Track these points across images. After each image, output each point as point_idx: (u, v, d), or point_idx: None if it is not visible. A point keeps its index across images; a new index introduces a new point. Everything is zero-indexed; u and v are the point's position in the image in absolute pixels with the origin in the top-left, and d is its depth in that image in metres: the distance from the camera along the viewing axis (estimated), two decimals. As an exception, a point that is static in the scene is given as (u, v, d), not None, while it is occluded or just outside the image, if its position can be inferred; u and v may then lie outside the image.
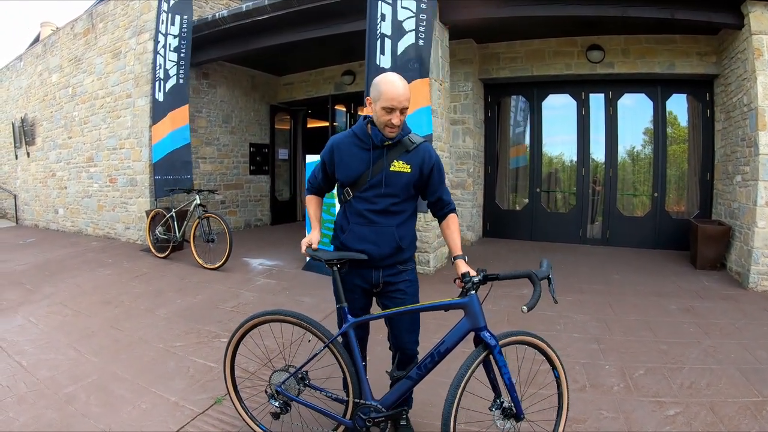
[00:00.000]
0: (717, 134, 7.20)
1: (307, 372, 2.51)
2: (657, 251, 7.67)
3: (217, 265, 6.48)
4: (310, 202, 2.67)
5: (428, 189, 2.49)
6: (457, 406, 2.21)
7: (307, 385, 2.49)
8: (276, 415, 2.49)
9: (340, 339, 2.40)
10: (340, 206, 2.53)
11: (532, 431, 2.51)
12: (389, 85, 2.25)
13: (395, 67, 5.37)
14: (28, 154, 11.76)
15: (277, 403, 2.47)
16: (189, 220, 7.07)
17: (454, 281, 2.31)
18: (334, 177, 2.51)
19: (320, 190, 2.64)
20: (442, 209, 2.55)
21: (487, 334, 2.20)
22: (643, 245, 7.92)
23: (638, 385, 3.32)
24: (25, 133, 11.72)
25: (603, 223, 8.29)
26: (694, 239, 6.58)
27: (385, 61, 5.47)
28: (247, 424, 2.66)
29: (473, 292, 2.21)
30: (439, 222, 2.58)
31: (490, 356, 2.21)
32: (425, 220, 6.34)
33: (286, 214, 11.31)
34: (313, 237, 2.47)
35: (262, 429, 2.64)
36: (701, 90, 7.46)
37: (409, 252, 2.52)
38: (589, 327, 4.41)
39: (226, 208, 9.79)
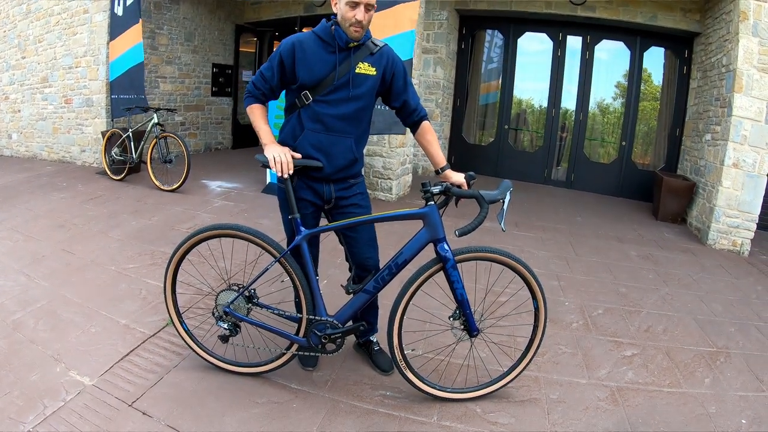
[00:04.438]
0: (691, 92, 7.22)
1: (255, 290, 2.42)
2: (619, 199, 7.81)
3: (174, 187, 6.30)
4: (257, 110, 2.33)
5: (392, 93, 2.37)
6: (402, 316, 2.25)
7: (257, 304, 2.41)
8: (225, 338, 2.42)
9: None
10: (292, 113, 2.33)
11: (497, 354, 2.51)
12: None
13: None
14: (-21, 77, 10.94)
15: (225, 325, 2.39)
16: (146, 140, 6.76)
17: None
18: (291, 78, 2.27)
19: (268, 96, 2.35)
20: (410, 115, 2.43)
21: (445, 247, 2.16)
22: (606, 192, 8.04)
23: (597, 323, 3.38)
24: (-24, 56, 10.84)
25: (568, 166, 8.35)
26: (658, 191, 6.68)
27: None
28: (192, 348, 2.57)
29: (432, 202, 2.15)
30: (414, 133, 2.47)
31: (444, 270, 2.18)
32: (390, 146, 6.26)
33: (247, 138, 10.87)
34: (285, 149, 2.21)
35: (208, 353, 2.55)
36: (680, 46, 7.40)
37: (361, 164, 2.43)
38: (551, 264, 4.48)
39: (186, 130, 9.40)
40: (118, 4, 7.20)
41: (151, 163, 6.54)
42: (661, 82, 7.82)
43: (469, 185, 2.24)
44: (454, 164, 8.65)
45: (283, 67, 2.25)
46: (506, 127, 8.59)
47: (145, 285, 3.59)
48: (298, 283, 2.28)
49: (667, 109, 7.69)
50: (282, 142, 2.32)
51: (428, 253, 2.25)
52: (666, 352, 3.07)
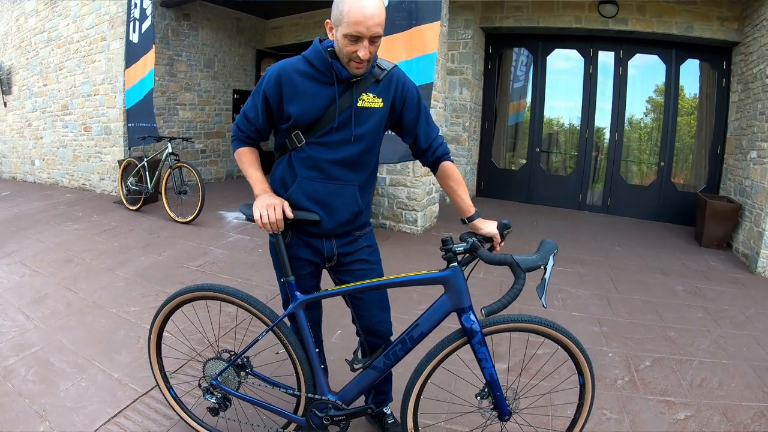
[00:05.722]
0: (732, 106, 6.75)
1: (248, 358, 2.08)
2: (659, 224, 7.33)
3: (189, 219, 6.11)
4: (245, 155, 1.99)
5: (403, 126, 1.95)
6: (417, 398, 1.87)
7: (250, 374, 2.06)
8: (214, 411, 2.06)
9: (287, 321, 1.98)
10: (282, 155, 1.97)
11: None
12: (354, 4, 1.63)
13: (390, 7, 4.79)
14: (5, 103, 11.10)
15: (213, 399, 2.04)
16: (161, 169, 6.61)
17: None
18: (279, 118, 1.88)
19: (255, 139, 2.00)
20: (424, 153, 1.99)
21: (471, 318, 1.75)
22: (645, 216, 7.58)
23: (644, 379, 2.96)
24: (1, 82, 11.03)
25: (604, 189, 7.91)
26: (701, 215, 6.18)
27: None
28: (181, 417, 2.25)
29: (456, 263, 1.74)
30: (434, 173, 2.03)
31: (470, 344, 1.77)
32: (414, 176, 5.94)
33: (270, 165, 10.68)
34: (276, 200, 1.85)
35: (199, 423, 2.24)
36: (718, 57, 6.96)
37: (368, 214, 2.02)
38: (590, 305, 4.05)
39: (206, 157, 9.29)
40: (134, 31, 7.18)
41: (165, 193, 6.39)
42: (698, 96, 7.36)
43: (503, 237, 1.84)
44: (483, 190, 8.39)
45: (269, 105, 1.86)
46: (538, 150, 8.23)
47: (144, 332, 3.33)
48: (294, 357, 1.92)
49: (707, 125, 7.22)
50: (276, 184, 1.97)
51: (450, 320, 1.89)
52: (723, 412, 2.64)
